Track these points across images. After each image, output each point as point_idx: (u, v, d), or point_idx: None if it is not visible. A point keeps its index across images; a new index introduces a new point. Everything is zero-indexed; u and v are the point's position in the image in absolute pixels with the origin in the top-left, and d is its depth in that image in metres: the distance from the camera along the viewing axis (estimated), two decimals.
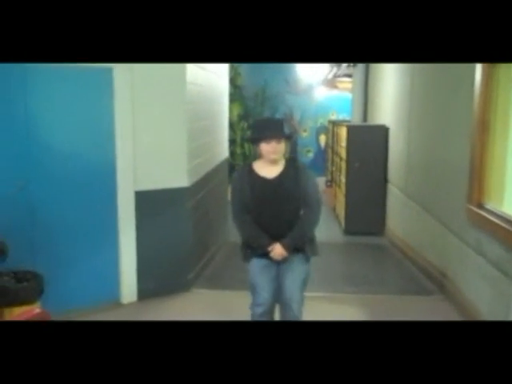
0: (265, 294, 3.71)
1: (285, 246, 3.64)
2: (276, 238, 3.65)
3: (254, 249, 3.74)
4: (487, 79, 4.59)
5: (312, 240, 3.84)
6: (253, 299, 3.78)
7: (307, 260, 3.79)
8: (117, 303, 5.20)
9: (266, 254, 3.68)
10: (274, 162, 3.66)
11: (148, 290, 5.30)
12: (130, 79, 4.95)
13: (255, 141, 3.70)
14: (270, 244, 3.65)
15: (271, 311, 3.82)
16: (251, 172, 3.72)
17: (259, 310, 3.71)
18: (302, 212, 3.71)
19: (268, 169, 3.69)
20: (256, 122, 3.76)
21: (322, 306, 5.14)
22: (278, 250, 3.64)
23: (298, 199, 3.67)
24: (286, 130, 3.73)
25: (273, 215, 3.65)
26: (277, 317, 3.91)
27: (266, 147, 3.60)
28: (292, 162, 3.76)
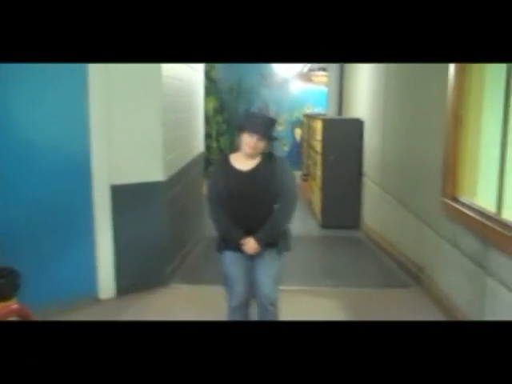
0: (238, 286, 3.73)
1: (258, 241, 3.63)
2: (250, 231, 3.64)
3: (228, 241, 3.74)
4: (460, 72, 4.64)
5: (285, 235, 3.84)
6: (227, 292, 3.79)
7: (280, 255, 3.80)
8: (95, 299, 5.15)
9: (239, 248, 3.68)
10: (249, 155, 3.65)
11: (126, 285, 5.27)
12: (104, 71, 4.89)
13: (242, 128, 3.65)
14: (243, 237, 3.65)
15: (246, 304, 3.82)
16: (227, 163, 3.72)
17: (234, 302, 3.74)
18: (275, 206, 3.69)
19: (244, 161, 3.68)
20: (252, 112, 3.74)
21: (299, 300, 5.17)
22: (250, 245, 3.64)
23: (273, 193, 3.65)
24: (273, 132, 3.72)
25: (247, 208, 3.64)
26: (254, 314, 3.92)
27: (246, 139, 3.59)
28: (268, 155, 3.75)
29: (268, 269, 3.74)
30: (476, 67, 4.51)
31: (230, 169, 3.69)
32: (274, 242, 3.74)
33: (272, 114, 3.76)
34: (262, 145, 3.63)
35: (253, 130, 3.58)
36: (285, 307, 3.87)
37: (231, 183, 3.65)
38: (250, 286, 3.77)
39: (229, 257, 3.78)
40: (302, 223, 8.58)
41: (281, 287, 3.86)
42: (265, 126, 3.63)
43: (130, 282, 5.29)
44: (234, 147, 3.79)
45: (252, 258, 3.73)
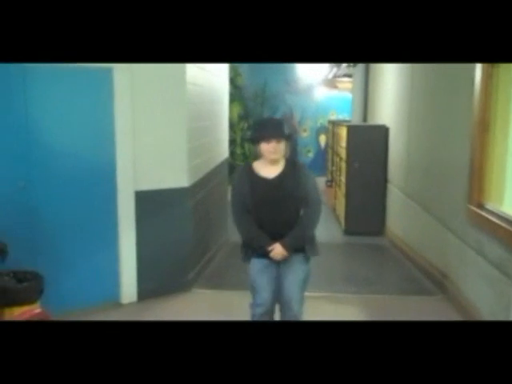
0: (265, 294, 3.70)
1: (285, 246, 3.63)
2: (276, 238, 3.64)
3: (254, 249, 3.74)
4: (487, 79, 4.59)
5: (312, 240, 3.83)
6: (253, 299, 3.77)
7: (307, 260, 3.79)
8: (117, 303, 5.19)
9: (266, 255, 3.67)
10: (273, 161, 3.66)
11: (148, 290, 5.30)
12: (129, 79, 4.95)
13: (255, 141, 3.69)
14: (270, 244, 3.65)
15: (271, 311, 3.82)
16: (251, 172, 3.72)
17: (259, 310, 3.71)
18: (302, 212, 3.71)
19: (268, 169, 3.69)
20: (256, 122, 3.78)
21: (322, 306, 5.14)
22: (278, 250, 3.64)
23: (298, 199, 3.67)
24: (286, 130, 3.72)
25: (273, 215, 3.65)
26: (277, 317, 3.91)
27: (266, 147, 3.60)
28: (292, 162, 3.77)
29: (295, 275, 3.73)
30: (503, 73, 4.46)
31: (254, 177, 3.70)
32: (301, 247, 3.73)
33: (295, 121, 3.77)
34: (282, 146, 3.64)
35: (268, 137, 3.59)
36: (307, 313, 3.84)
37: (257, 191, 3.66)
38: (276, 293, 3.75)
39: (256, 264, 3.77)
40: (325, 230, 8.53)
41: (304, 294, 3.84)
42: (278, 128, 3.66)
43: (152, 286, 5.32)
44: (255, 156, 3.80)
45: (279, 264, 3.72)
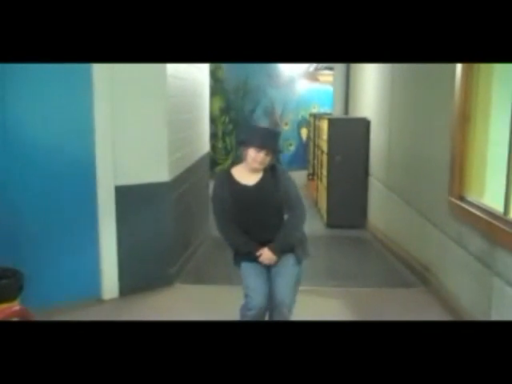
0: (257, 297, 3.65)
1: (273, 250, 3.63)
2: (263, 242, 3.65)
3: (244, 255, 3.73)
4: (467, 71, 4.60)
5: (302, 241, 3.84)
6: (245, 302, 3.73)
7: (298, 262, 3.78)
8: (98, 299, 5.15)
9: (255, 259, 3.67)
10: (255, 170, 3.64)
11: (130, 285, 5.25)
12: (108, 72, 4.88)
13: (247, 144, 3.62)
14: (257, 249, 3.65)
15: (263, 314, 3.76)
16: (230, 180, 3.69)
17: (251, 313, 3.65)
18: (286, 216, 3.70)
19: (247, 175, 3.67)
20: (253, 127, 3.75)
21: (305, 300, 5.10)
22: (266, 255, 3.64)
23: (280, 203, 3.67)
24: (279, 145, 3.73)
25: (257, 221, 3.64)
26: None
27: (254, 155, 3.56)
28: (271, 167, 3.71)
29: (287, 277, 3.71)
30: (484, 66, 4.47)
31: (234, 184, 3.67)
32: (291, 249, 3.74)
33: (277, 114, 3.77)
34: (268, 159, 3.61)
35: (260, 146, 3.55)
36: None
37: (238, 198, 3.64)
38: (268, 296, 3.71)
39: (247, 268, 3.75)
40: (307, 223, 8.45)
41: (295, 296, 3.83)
42: (273, 141, 3.66)
43: (134, 282, 5.28)
44: (238, 160, 3.78)
45: (270, 267, 3.72)
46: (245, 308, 3.71)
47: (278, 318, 3.70)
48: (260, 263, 3.68)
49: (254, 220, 3.64)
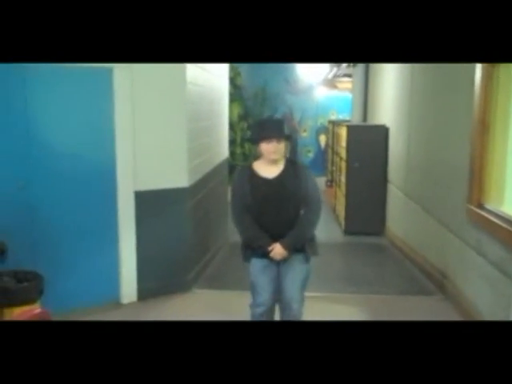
0: (265, 294, 3.70)
1: (284, 246, 3.63)
2: (276, 237, 3.65)
3: (254, 249, 3.74)
4: (487, 79, 4.59)
5: (312, 240, 3.84)
6: (253, 299, 3.78)
7: (307, 260, 3.79)
8: (117, 303, 5.20)
9: (266, 254, 3.68)
10: (274, 161, 3.67)
11: (148, 290, 5.30)
12: (129, 79, 4.95)
13: (256, 141, 3.71)
14: (270, 244, 3.65)
15: (271, 311, 3.82)
16: (251, 172, 3.73)
17: (259, 310, 3.71)
18: (302, 212, 3.71)
19: (268, 169, 3.70)
20: (256, 122, 3.80)
21: (321, 306, 5.14)
22: (277, 250, 3.64)
23: (299, 199, 3.68)
24: (286, 130, 3.74)
25: (273, 215, 3.65)
26: (277, 317, 3.91)
27: (266, 147, 3.61)
28: (291, 161, 3.78)
29: (295, 275, 3.73)
30: (503, 72, 4.46)
31: (255, 177, 3.70)
32: (301, 247, 3.74)
33: (295, 121, 3.81)
34: (282, 146, 3.65)
35: (270, 136, 3.60)
36: (306, 313, 3.84)
37: (258, 191, 3.66)
38: (276, 293, 3.76)
39: (256, 264, 3.77)
40: (325, 229, 8.53)
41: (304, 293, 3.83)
42: (279, 128, 3.67)
43: (152, 287, 5.32)
44: (255, 155, 3.81)
45: (279, 264, 3.73)
46: (253, 305, 3.75)
47: (288, 315, 3.73)
48: (270, 259, 3.69)
49: (270, 213, 3.65)
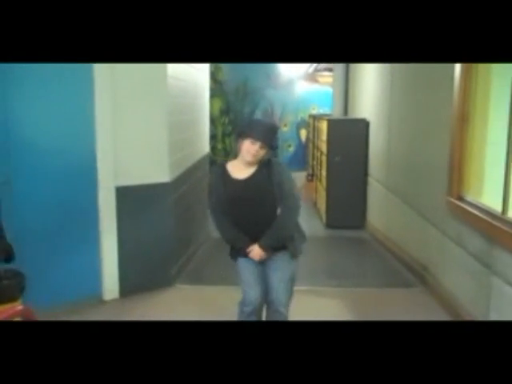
0: (252, 292, 3.67)
1: (262, 247, 3.60)
2: (256, 238, 3.62)
3: (237, 249, 3.74)
4: (466, 72, 4.63)
5: (293, 238, 3.74)
6: (242, 297, 3.75)
7: (293, 257, 3.74)
8: (99, 300, 5.17)
9: (246, 255, 3.67)
10: (248, 163, 3.59)
11: (130, 286, 5.28)
12: (110, 73, 4.91)
13: (243, 136, 3.58)
14: (248, 245, 3.63)
15: (259, 310, 3.79)
16: (224, 173, 3.67)
17: (247, 308, 3.68)
18: (278, 210, 3.63)
19: (241, 169, 3.63)
20: (251, 120, 3.72)
21: (304, 300, 5.15)
22: (256, 251, 3.62)
23: (274, 198, 3.60)
24: (275, 142, 3.65)
25: (249, 216, 3.60)
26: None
27: (248, 146, 3.52)
28: (266, 160, 3.65)
29: (280, 273, 3.69)
30: (482, 66, 4.50)
31: (228, 178, 3.64)
32: (283, 245, 3.69)
33: (277, 114, 3.75)
34: (262, 153, 3.55)
35: (255, 137, 3.50)
36: (289, 307, 3.85)
37: (231, 192, 3.61)
38: (264, 291, 3.72)
39: (242, 263, 3.75)
40: (306, 223, 8.49)
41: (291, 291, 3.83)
42: (268, 134, 3.57)
43: (135, 283, 5.30)
44: (236, 152, 3.75)
45: (265, 262, 3.70)
46: (241, 303, 3.73)
47: (273, 314, 3.72)
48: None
49: (245, 214, 3.60)
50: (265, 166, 3.62)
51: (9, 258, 3.72)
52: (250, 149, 3.52)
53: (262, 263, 3.70)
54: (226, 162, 3.78)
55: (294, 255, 3.75)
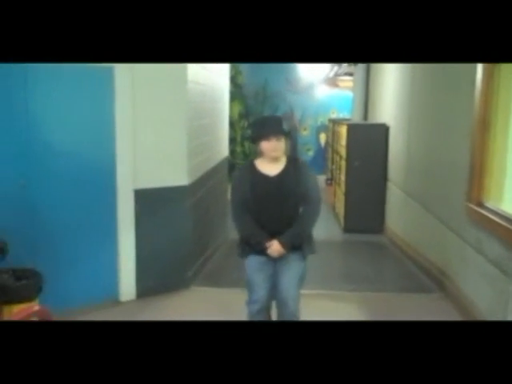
0: (261, 291, 3.71)
1: (282, 244, 3.64)
2: (274, 234, 3.65)
3: (252, 245, 3.74)
4: (488, 78, 4.58)
5: (309, 238, 3.84)
6: (249, 296, 3.78)
7: (304, 258, 3.79)
8: (115, 301, 5.19)
9: (263, 251, 3.68)
10: (274, 159, 3.68)
11: (147, 287, 5.30)
12: (130, 78, 4.95)
13: (255, 139, 3.72)
14: (267, 240, 3.65)
15: (267, 308, 3.82)
16: (253, 169, 3.74)
17: (255, 307, 3.72)
18: (301, 210, 3.71)
19: (269, 166, 3.71)
20: (255, 121, 3.80)
21: (321, 304, 5.15)
22: (275, 247, 3.64)
23: (299, 197, 3.68)
24: (285, 128, 3.73)
25: (273, 212, 3.66)
26: (274, 314, 3.91)
27: (266, 145, 3.63)
28: (293, 159, 3.79)
29: (292, 273, 3.72)
30: (505, 70, 4.45)
31: (256, 174, 3.71)
32: (299, 245, 3.73)
33: (296, 119, 3.80)
34: (282, 144, 3.66)
35: (269, 134, 3.61)
36: (306, 311, 3.84)
37: (258, 188, 3.67)
38: (272, 290, 3.75)
39: (253, 261, 3.77)
40: (325, 227, 8.54)
41: (302, 291, 3.83)
42: (278, 126, 3.67)
43: (151, 284, 5.33)
44: (255, 154, 3.82)
45: (276, 261, 3.73)
46: (249, 302, 3.76)
47: (284, 313, 3.72)
48: (266, 256, 3.69)
49: (269, 210, 3.65)
50: (292, 164, 3.73)
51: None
52: (268, 147, 3.63)
53: (272, 262, 3.72)
54: (253, 160, 3.84)
55: (309, 254, 3.81)
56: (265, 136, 3.62)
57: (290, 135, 3.91)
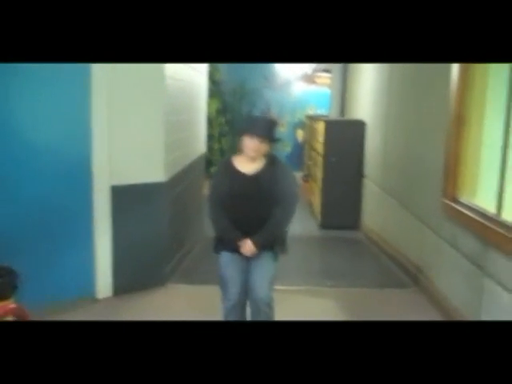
0: (234, 287, 3.73)
1: (255, 243, 3.65)
2: (248, 233, 3.66)
3: (225, 242, 3.76)
4: (463, 74, 4.64)
5: (283, 238, 3.85)
6: (222, 293, 3.79)
7: (276, 257, 3.82)
8: (92, 298, 5.15)
9: (236, 249, 3.70)
10: (252, 158, 3.67)
11: (123, 285, 5.27)
12: (106, 73, 4.90)
13: (241, 133, 3.69)
14: (240, 239, 3.67)
15: (242, 305, 3.82)
16: (231, 166, 3.73)
17: (229, 303, 3.74)
18: (274, 209, 3.69)
19: (248, 164, 3.70)
20: (249, 116, 3.77)
21: (298, 300, 5.17)
22: (248, 247, 3.66)
23: (275, 196, 3.67)
24: (274, 134, 3.72)
25: (248, 211, 3.66)
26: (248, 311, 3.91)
27: (247, 143, 3.61)
28: (271, 158, 3.77)
29: (264, 271, 3.74)
30: (479, 68, 4.51)
31: (233, 171, 3.71)
32: (271, 244, 3.76)
33: (274, 115, 3.78)
34: (264, 147, 3.64)
35: (254, 133, 3.59)
36: (283, 307, 3.87)
37: (235, 186, 3.66)
38: (245, 287, 3.77)
39: (225, 257, 3.79)
40: (301, 224, 8.57)
41: (280, 287, 3.85)
42: (266, 128, 3.65)
43: (128, 281, 5.29)
44: (237, 150, 3.80)
45: (248, 259, 3.74)
46: (224, 299, 3.77)
47: (257, 312, 3.74)
48: (240, 254, 3.71)
49: (245, 209, 3.65)
50: (271, 163, 3.72)
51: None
52: (250, 145, 3.61)
53: (245, 260, 3.74)
54: (231, 157, 3.82)
55: (281, 253, 3.84)
56: (250, 133, 3.60)
57: (277, 142, 3.89)
